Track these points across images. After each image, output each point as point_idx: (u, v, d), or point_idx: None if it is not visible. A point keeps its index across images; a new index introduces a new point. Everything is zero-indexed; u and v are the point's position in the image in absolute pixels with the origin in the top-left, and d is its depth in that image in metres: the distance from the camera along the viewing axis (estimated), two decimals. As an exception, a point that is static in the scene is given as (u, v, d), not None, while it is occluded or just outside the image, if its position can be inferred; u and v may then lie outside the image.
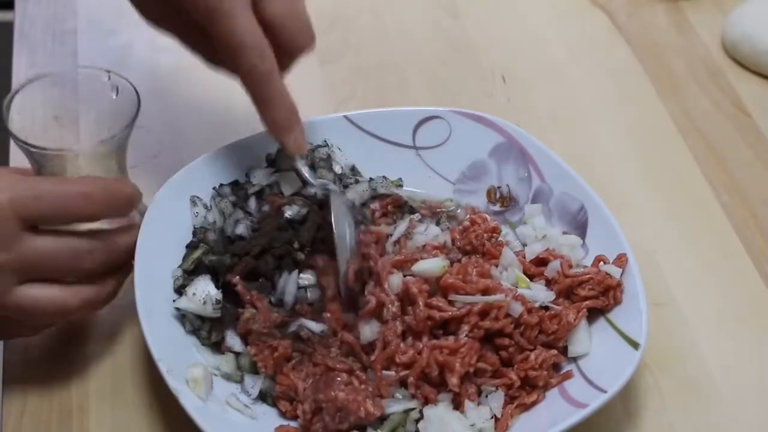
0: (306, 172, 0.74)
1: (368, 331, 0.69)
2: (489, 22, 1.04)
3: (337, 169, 0.79)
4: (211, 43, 0.69)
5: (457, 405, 0.67)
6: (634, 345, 0.68)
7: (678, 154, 0.91)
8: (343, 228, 0.72)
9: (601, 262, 0.73)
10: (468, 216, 0.78)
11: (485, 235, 0.75)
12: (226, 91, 0.93)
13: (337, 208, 0.72)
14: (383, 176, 0.81)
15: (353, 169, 0.81)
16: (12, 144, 0.72)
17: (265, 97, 0.70)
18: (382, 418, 0.66)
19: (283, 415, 0.69)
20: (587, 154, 0.88)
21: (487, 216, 0.78)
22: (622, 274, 0.72)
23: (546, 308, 0.71)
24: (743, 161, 0.90)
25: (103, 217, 0.68)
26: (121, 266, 0.70)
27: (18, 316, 0.67)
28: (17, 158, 0.83)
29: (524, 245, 0.77)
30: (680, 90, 0.97)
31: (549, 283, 0.73)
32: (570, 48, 1.02)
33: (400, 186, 0.81)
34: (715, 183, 0.88)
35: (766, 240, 0.83)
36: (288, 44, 0.69)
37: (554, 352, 0.70)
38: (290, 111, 0.71)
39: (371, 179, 0.80)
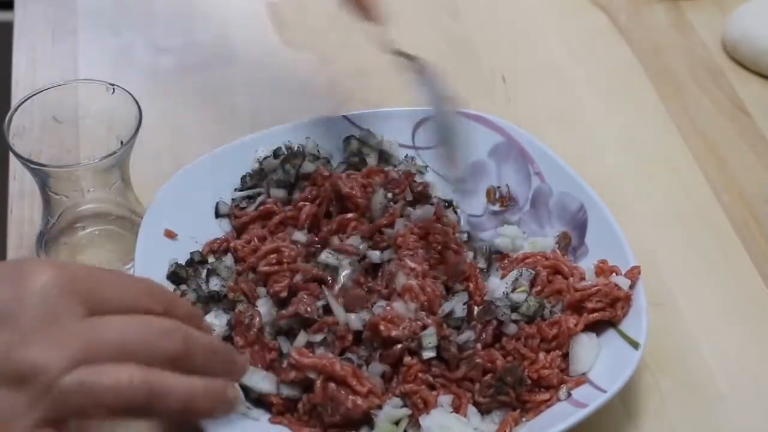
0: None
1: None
2: (489, 22, 1.04)
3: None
4: None
5: (457, 408, 0.67)
6: (634, 345, 0.68)
7: (678, 154, 0.91)
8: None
9: (614, 273, 0.72)
10: None
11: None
12: (226, 91, 0.94)
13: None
14: (412, 156, 0.82)
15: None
16: (12, 155, 0.71)
17: None
18: (372, 426, 0.65)
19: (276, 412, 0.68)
20: (587, 154, 0.88)
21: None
22: (632, 286, 0.71)
23: (543, 318, 0.71)
24: (743, 161, 0.90)
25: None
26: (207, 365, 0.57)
27: (77, 413, 0.52)
28: (17, 169, 0.83)
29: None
30: (680, 90, 0.97)
31: (559, 293, 0.72)
32: (570, 48, 1.02)
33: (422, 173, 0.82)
34: (715, 183, 0.88)
35: (766, 240, 0.83)
36: None
37: (559, 352, 0.69)
38: None
39: (400, 162, 0.82)
